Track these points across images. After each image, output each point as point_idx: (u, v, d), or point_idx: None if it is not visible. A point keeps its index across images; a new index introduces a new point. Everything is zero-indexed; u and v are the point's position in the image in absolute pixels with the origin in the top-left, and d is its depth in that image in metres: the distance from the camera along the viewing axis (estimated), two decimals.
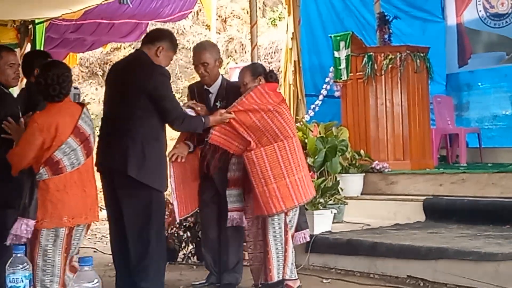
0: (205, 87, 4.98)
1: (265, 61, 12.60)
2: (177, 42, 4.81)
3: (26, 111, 4.36)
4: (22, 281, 2.22)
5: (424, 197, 6.61)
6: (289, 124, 4.60)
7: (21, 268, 2.23)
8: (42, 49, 8.37)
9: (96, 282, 2.07)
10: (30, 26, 8.44)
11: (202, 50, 4.93)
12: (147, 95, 4.37)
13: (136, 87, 4.39)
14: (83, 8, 8.08)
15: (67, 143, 3.76)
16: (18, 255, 2.27)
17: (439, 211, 6.37)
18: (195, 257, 6.08)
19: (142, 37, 4.76)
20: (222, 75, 5.09)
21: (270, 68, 5.12)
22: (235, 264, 4.97)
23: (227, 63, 13.75)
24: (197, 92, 5.01)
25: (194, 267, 5.93)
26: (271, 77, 4.76)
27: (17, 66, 4.48)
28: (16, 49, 8.40)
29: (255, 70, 4.78)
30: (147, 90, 4.37)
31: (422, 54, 7.79)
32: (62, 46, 9.63)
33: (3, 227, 3.91)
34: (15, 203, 3.92)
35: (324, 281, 5.19)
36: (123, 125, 4.40)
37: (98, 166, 4.42)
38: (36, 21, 8.41)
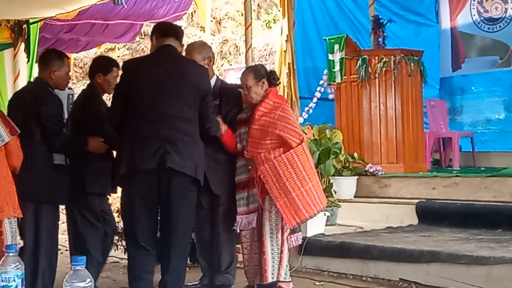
0: None
1: (259, 63, 12.60)
2: None
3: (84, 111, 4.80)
4: (14, 280, 2.21)
5: (417, 201, 6.62)
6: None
7: (13, 267, 2.22)
8: (36, 49, 8.37)
9: (89, 282, 2.06)
10: (24, 26, 8.41)
11: (190, 48, 4.94)
12: (200, 98, 4.33)
13: (194, 88, 4.32)
14: (78, 8, 8.07)
15: None
16: (11, 254, 2.26)
17: (431, 215, 6.38)
18: (188, 258, 6.05)
19: (165, 30, 4.55)
20: (217, 76, 5.11)
21: (271, 70, 5.08)
22: (228, 266, 4.96)
23: (221, 65, 13.74)
24: None
25: (187, 268, 5.90)
26: (273, 79, 4.71)
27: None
28: (9, 49, 8.40)
29: (258, 73, 4.70)
30: (202, 93, 4.33)
31: (416, 58, 7.81)
32: (56, 46, 9.57)
33: None
34: None
35: (317, 283, 5.19)
36: (188, 128, 4.28)
37: (147, 167, 4.22)
38: (30, 20, 8.39)
